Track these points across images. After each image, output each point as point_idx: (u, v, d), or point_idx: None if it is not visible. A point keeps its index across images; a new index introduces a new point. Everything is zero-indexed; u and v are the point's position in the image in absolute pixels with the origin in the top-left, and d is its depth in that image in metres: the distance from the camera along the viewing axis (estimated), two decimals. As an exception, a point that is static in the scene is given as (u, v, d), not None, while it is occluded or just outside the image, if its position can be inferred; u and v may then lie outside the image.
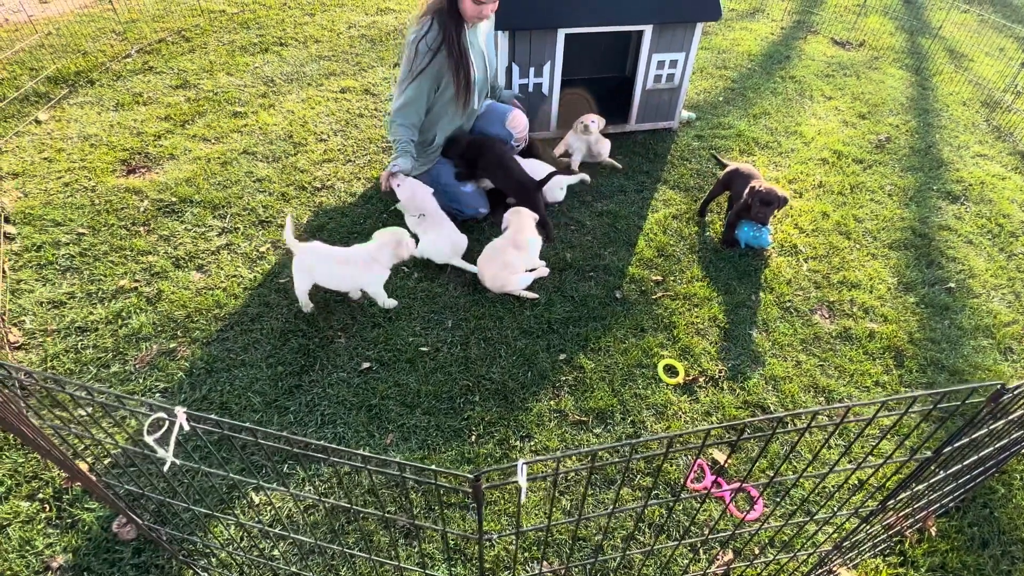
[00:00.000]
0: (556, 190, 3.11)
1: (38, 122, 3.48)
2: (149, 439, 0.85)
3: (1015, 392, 0.97)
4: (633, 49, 3.69)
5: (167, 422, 0.85)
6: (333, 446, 0.79)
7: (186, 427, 0.86)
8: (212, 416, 0.81)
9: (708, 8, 3.27)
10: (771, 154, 3.70)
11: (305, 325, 2.41)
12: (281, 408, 2.11)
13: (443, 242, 2.65)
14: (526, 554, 1.76)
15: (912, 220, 3.24)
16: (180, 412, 0.82)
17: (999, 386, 0.96)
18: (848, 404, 0.90)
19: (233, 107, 3.77)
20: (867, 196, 3.40)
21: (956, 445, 1.13)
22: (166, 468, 0.85)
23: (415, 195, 2.66)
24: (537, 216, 2.73)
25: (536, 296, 2.60)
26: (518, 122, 3.06)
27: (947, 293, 2.79)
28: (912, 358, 2.46)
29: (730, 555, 1.77)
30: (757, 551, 1.80)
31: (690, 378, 2.30)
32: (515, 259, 2.55)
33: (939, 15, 6.25)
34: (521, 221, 2.65)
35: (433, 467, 0.71)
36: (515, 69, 3.28)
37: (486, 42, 2.83)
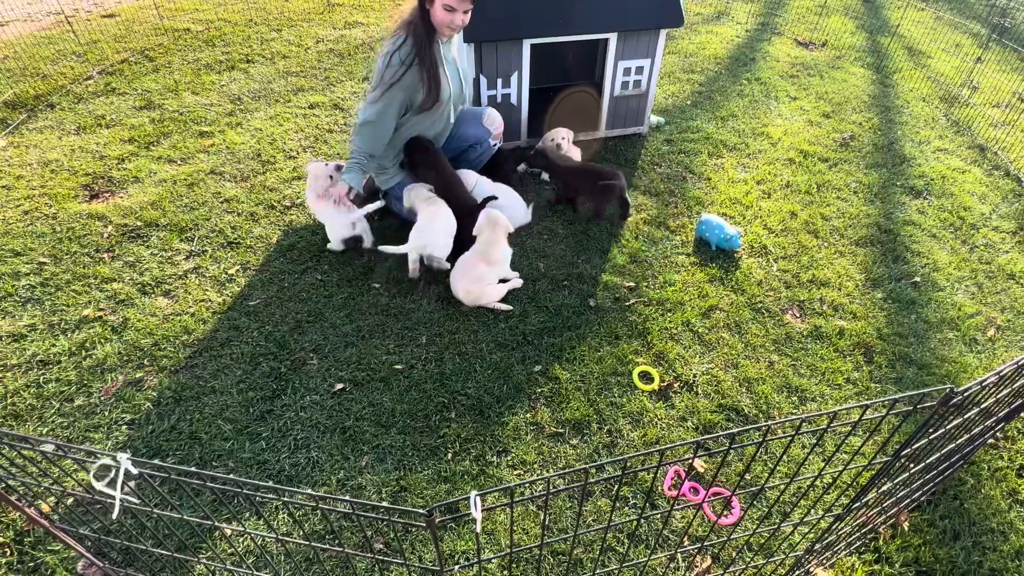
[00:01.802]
0: (525, 212, 3.04)
1: (-5, 149, 3.39)
2: (99, 485, 0.83)
3: (964, 394, 0.99)
4: (600, 57, 3.72)
5: (114, 468, 0.83)
6: (284, 488, 0.77)
7: (133, 471, 0.83)
8: (156, 461, 0.79)
9: (670, 15, 3.32)
10: (739, 156, 3.75)
11: (276, 348, 2.37)
12: (253, 435, 2.07)
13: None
14: (505, 572, 1.74)
15: (877, 216, 3.31)
16: (123, 459, 0.80)
17: (948, 389, 0.98)
18: (802, 416, 0.91)
19: (199, 127, 3.72)
20: (833, 194, 3.47)
21: (914, 447, 1.14)
22: (114, 515, 0.83)
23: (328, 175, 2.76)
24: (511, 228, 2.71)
25: (510, 308, 2.59)
26: (494, 119, 3.08)
27: (913, 287, 2.85)
28: (881, 354, 2.50)
29: (708, 561, 1.78)
30: (734, 555, 1.81)
31: (665, 384, 2.32)
32: (487, 272, 2.54)
33: (897, 14, 6.42)
34: (495, 234, 2.63)
35: (385, 504, 0.70)
36: (483, 80, 3.29)
37: (459, 54, 2.84)
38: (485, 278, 2.53)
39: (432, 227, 2.61)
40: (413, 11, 2.58)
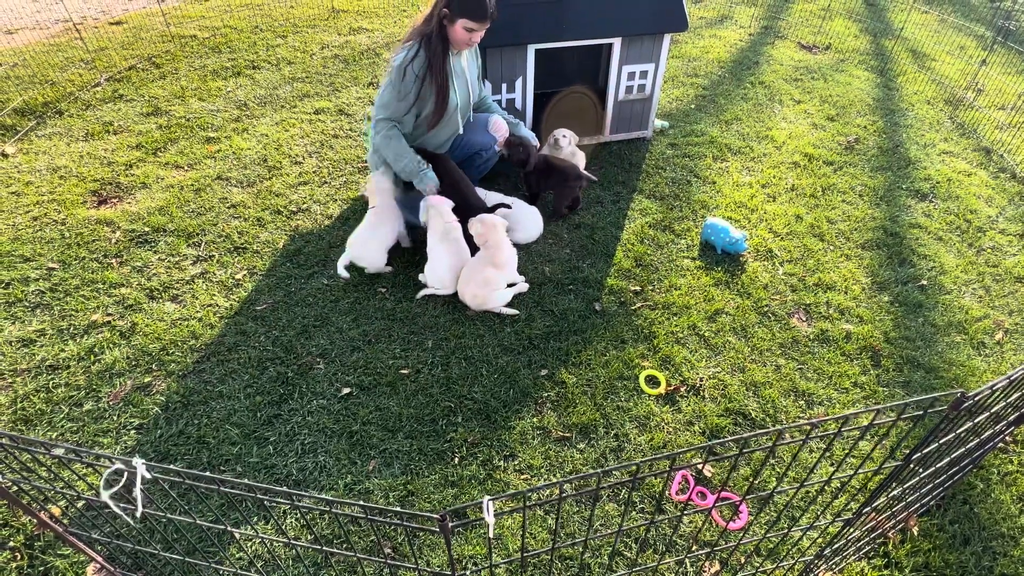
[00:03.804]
0: (531, 228, 3.01)
1: (5, 155, 3.42)
2: (105, 495, 0.83)
3: (976, 398, 0.99)
4: (604, 61, 3.74)
5: (126, 474, 0.84)
6: (296, 492, 0.77)
7: (148, 476, 0.84)
8: (174, 467, 0.79)
9: (674, 19, 3.33)
10: (744, 159, 3.75)
11: (283, 352, 2.38)
12: (260, 439, 2.07)
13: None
14: (513, 576, 1.74)
15: (883, 219, 3.30)
16: (139, 463, 0.81)
17: (959, 393, 0.97)
18: (814, 420, 0.91)
19: (206, 132, 3.74)
20: (839, 197, 3.46)
21: (925, 451, 1.14)
22: (138, 514, 0.83)
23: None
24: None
25: (516, 312, 2.60)
26: (499, 126, 3.09)
27: (920, 291, 2.84)
28: (888, 357, 2.49)
29: (716, 566, 1.77)
30: (743, 560, 1.80)
31: (671, 388, 2.31)
32: (494, 276, 2.55)
33: (900, 16, 6.42)
34: (495, 236, 2.63)
35: (398, 509, 0.70)
36: (487, 86, 3.30)
37: (468, 65, 2.85)
38: (492, 281, 2.53)
39: (441, 270, 2.62)
40: (429, 23, 2.58)
